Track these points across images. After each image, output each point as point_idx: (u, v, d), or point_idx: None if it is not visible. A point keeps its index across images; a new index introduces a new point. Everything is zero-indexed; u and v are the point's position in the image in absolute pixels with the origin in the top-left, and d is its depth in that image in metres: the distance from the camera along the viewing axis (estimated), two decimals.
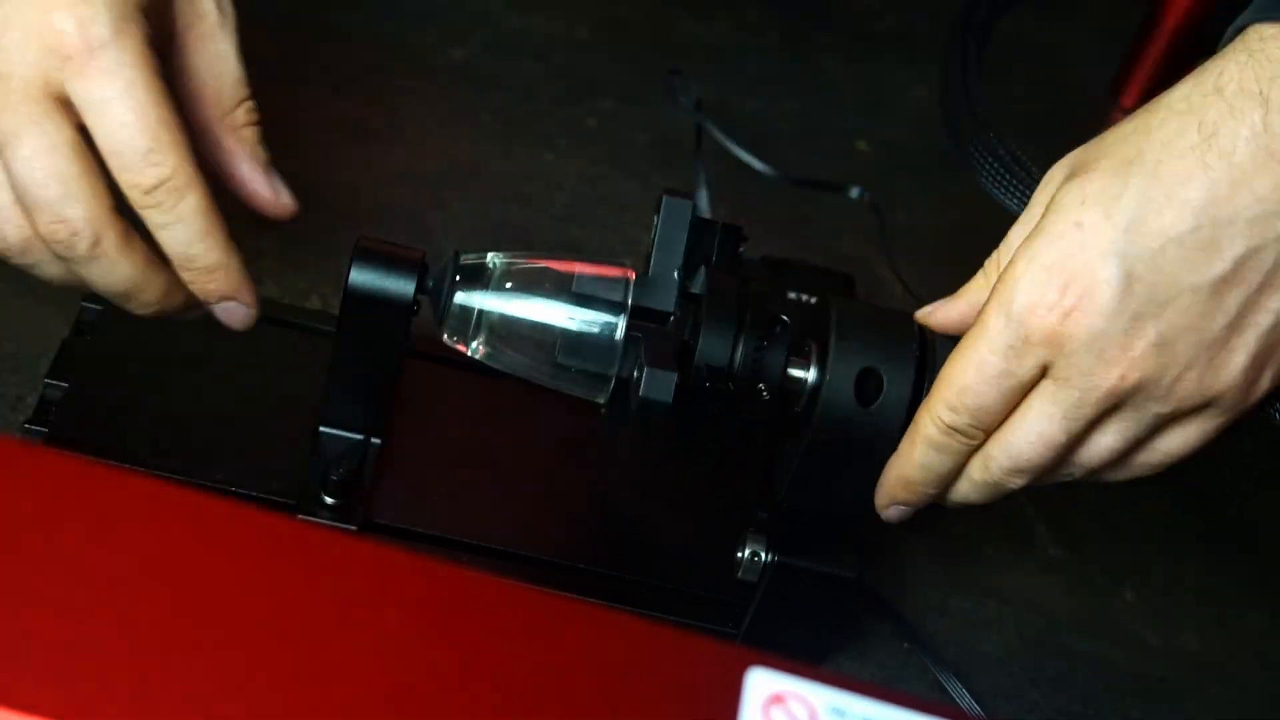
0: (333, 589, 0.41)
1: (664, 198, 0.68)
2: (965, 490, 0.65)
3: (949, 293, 0.67)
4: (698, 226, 0.68)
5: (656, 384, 0.63)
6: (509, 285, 0.66)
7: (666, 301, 0.66)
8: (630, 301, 0.66)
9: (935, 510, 0.82)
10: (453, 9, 1.00)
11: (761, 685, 0.42)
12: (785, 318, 0.67)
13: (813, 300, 0.79)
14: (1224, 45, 0.60)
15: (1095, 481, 0.66)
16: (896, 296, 0.89)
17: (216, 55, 0.65)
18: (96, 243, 0.59)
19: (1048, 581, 0.81)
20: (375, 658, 0.40)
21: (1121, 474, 0.65)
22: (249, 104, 0.67)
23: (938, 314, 0.67)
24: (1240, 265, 0.58)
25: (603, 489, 0.75)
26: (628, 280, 0.67)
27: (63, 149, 0.58)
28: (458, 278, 0.66)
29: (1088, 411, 0.61)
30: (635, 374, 0.64)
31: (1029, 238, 0.61)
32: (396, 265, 0.66)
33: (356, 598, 0.41)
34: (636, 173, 0.94)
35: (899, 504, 0.66)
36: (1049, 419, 0.61)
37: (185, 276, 0.62)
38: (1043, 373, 0.61)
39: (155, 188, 0.59)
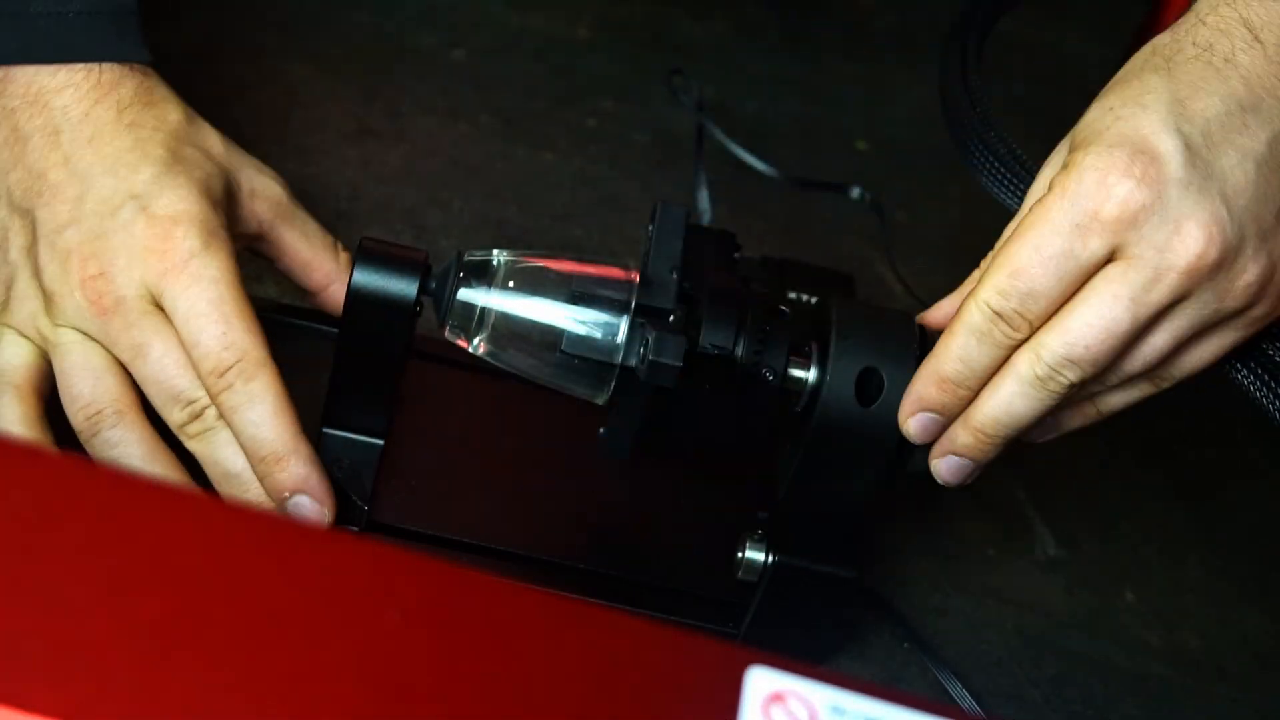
0: (334, 589, 0.41)
1: (658, 205, 0.68)
2: (1008, 392, 0.62)
3: (949, 292, 0.67)
4: (692, 232, 0.68)
5: (667, 347, 0.63)
6: (512, 283, 0.66)
7: (666, 301, 0.67)
8: (634, 302, 0.66)
9: (935, 510, 0.82)
10: (453, 9, 1.00)
11: (761, 684, 0.42)
12: (785, 318, 0.67)
13: (813, 300, 0.79)
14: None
15: (1089, 413, 0.64)
16: (896, 296, 0.89)
17: (301, 226, 0.73)
18: (202, 415, 0.66)
19: (1048, 581, 0.81)
20: (376, 657, 0.40)
21: (1129, 389, 0.64)
22: (337, 242, 0.74)
23: (936, 313, 0.67)
24: (1272, 148, 0.59)
25: (603, 489, 0.75)
26: (631, 282, 0.67)
27: (176, 347, 0.65)
28: (462, 274, 0.66)
29: (1159, 295, 0.59)
30: (641, 349, 0.64)
31: (1072, 150, 0.61)
32: (400, 266, 0.66)
33: (358, 598, 0.41)
34: (636, 173, 0.94)
35: (927, 409, 0.64)
36: (1116, 300, 0.59)
37: (257, 470, 0.65)
38: (1108, 258, 0.59)
39: (228, 369, 0.64)
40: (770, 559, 0.68)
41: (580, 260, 0.67)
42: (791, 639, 0.70)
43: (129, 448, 0.65)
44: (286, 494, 0.65)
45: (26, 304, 0.66)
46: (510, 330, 0.66)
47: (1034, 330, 0.61)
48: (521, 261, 0.67)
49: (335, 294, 0.73)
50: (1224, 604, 0.83)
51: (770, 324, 0.66)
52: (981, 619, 0.78)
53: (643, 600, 0.71)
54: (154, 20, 0.90)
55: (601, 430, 0.69)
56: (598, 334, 0.66)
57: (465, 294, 0.66)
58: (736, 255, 0.70)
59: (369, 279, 0.66)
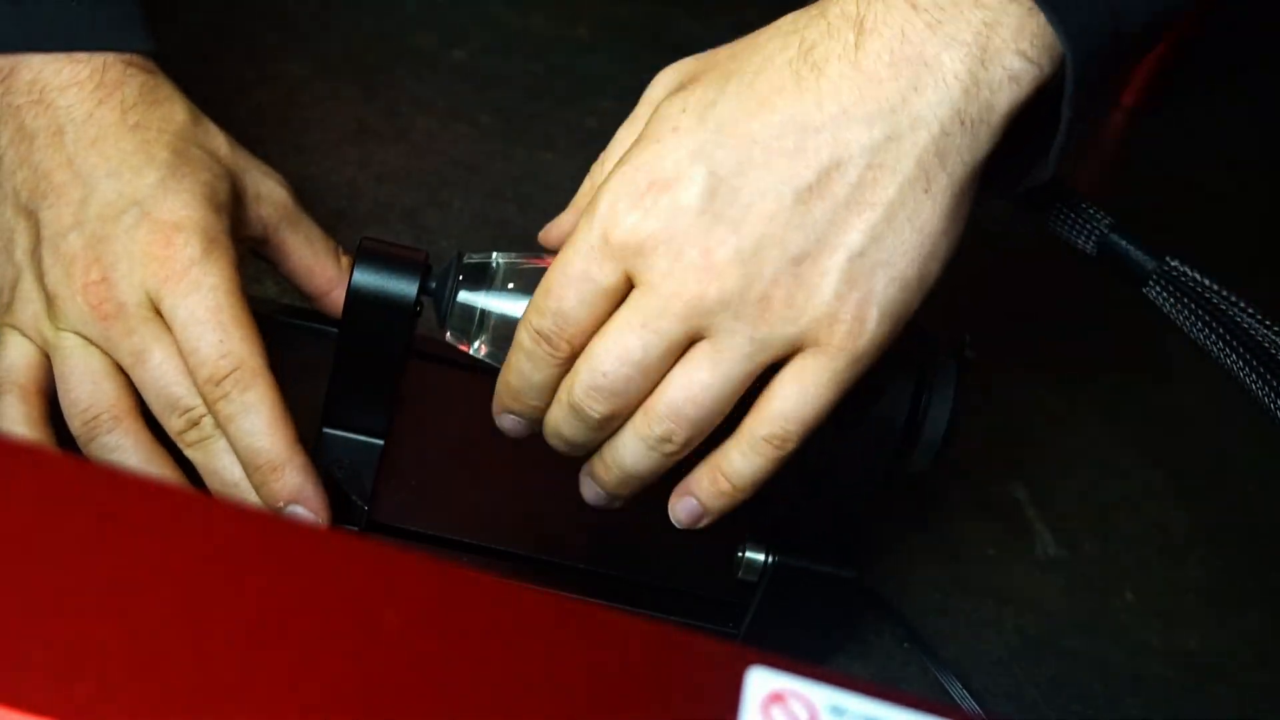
0: (334, 589, 0.41)
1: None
2: (555, 416, 0.63)
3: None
4: None
5: None
6: (513, 285, 0.66)
7: None
8: None
9: (935, 510, 0.82)
10: (453, 9, 1.00)
11: (761, 684, 0.42)
12: None
13: None
14: None
15: (720, 483, 0.63)
16: None
17: (304, 232, 0.73)
18: (199, 423, 0.66)
19: (1048, 581, 0.81)
20: (376, 658, 0.40)
21: (744, 448, 0.61)
22: (339, 247, 0.75)
23: (551, 231, 0.68)
24: (825, 176, 0.58)
25: None
26: None
27: (175, 355, 0.65)
28: (461, 277, 0.66)
29: (668, 324, 0.59)
30: None
31: (632, 145, 0.61)
32: (400, 266, 0.66)
33: (358, 598, 0.41)
34: None
35: (508, 412, 0.65)
36: (628, 327, 0.59)
37: (253, 479, 0.65)
38: (628, 284, 0.60)
39: (224, 378, 0.64)
40: (770, 559, 0.68)
41: None
42: (791, 639, 0.70)
43: (126, 453, 0.65)
44: (281, 504, 0.65)
45: (30, 306, 0.66)
46: (510, 333, 0.66)
47: (575, 351, 0.61)
48: (521, 264, 0.67)
49: (336, 300, 0.73)
50: (1224, 604, 0.83)
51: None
52: (981, 619, 0.78)
53: (643, 600, 0.71)
54: (154, 20, 0.90)
55: None
56: None
57: (465, 297, 0.66)
58: None
59: (369, 279, 0.66)
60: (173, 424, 0.66)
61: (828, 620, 0.71)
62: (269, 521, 0.42)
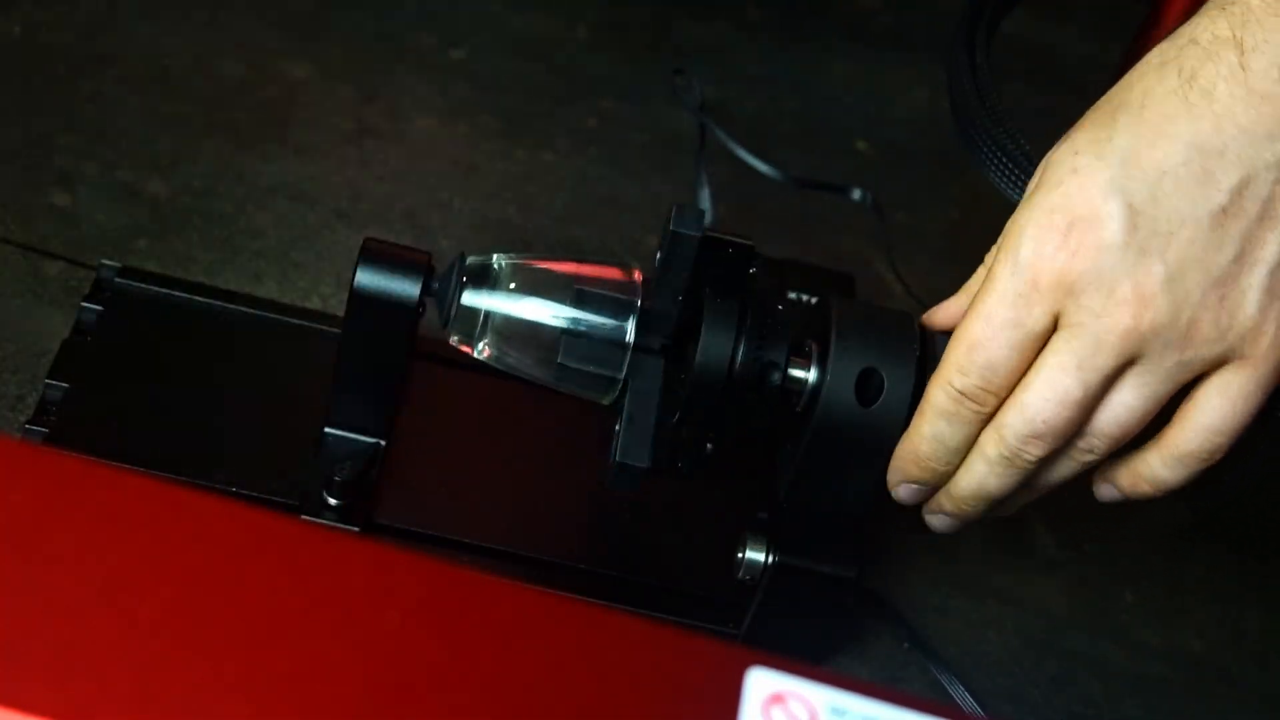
0: (335, 590, 0.41)
1: (669, 231, 0.65)
2: (980, 472, 0.63)
3: (949, 293, 0.67)
4: (708, 244, 0.66)
5: (631, 448, 0.65)
6: (516, 286, 0.66)
7: (663, 333, 0.67)
8: (640, 303, 0.66)
9: None
10: (453, 9, 1.00)
11: (761, 685, 0.42)
12: (785, 318, 0.67)
13: (813, 300, 0.79)
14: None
15: (1142, 487, 0.64)
16: (896, 296, 0.89)
17: None
18: None
19: (1048, 581, 0.81)
20: (377, 658, 0.40)
21: (1169, 460, 0.63)
22: None
23: (940, 314, 0.67)
24: (1237, 195, 0.59)
25: (603, 490, 0.75)
26: (636, 282, 0.67)
27: None
28: (464, 279, 0.66)
29: (1104, 360, 0.59)
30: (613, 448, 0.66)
31: (1027, 197, 0.61)
32: (402, 266, 0.66)
33: (359, 598, 0.41)
34: (636, 173, 0.94)
35: (910, 482, 0.66)
36: (1063, 370, 0.60)
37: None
38: (1054, 325, 0.60)
39: None
40: (770, 559, 0.68)
41: (584, 262, 0.67)
42: (791, 639, 0.70)
43: None
44: None
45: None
46: (513, 335, 0.66)
47: (1000, 402, 0.62)
48: (524, 264, 0.67)
49: None
50: (1224, 604, 0.83)
51: (769, 334, 0.66)
52: (981, 619, 0.78)
53: (643, 600, 0.71)
54: (154, 20, 0.90)
55: (617, 429, 0.68)
56: (603, 341, 0.66)
57: (469, 299, 0.66)
58: (752, 270, 0.68)
59: (371, 279, 0.66)
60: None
61: (828, 620, 0.71)
62: (269, 521, 0.42)
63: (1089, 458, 0.63)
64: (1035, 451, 0.62)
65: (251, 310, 0.76)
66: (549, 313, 0.66)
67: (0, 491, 0.40)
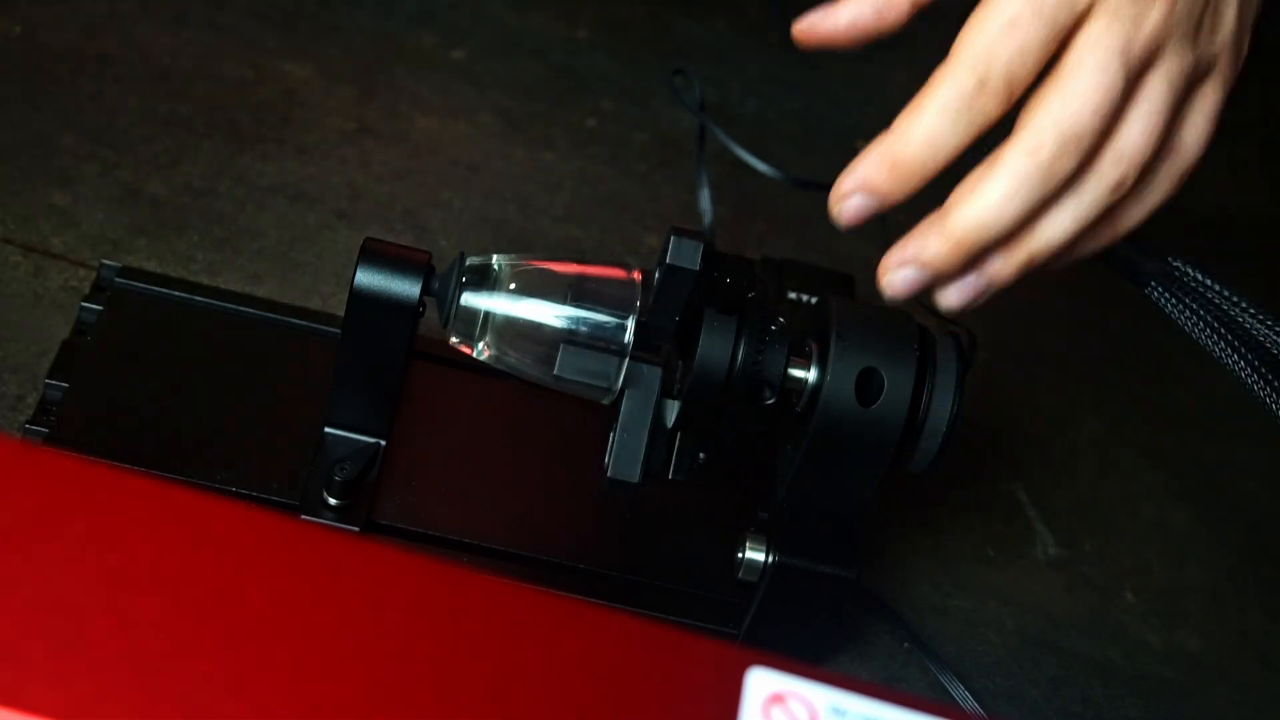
0: (335, 590, 0.41)
1: (666, 261, 0.64)
2: (996, 191, 0.55)
3: None
4: (709, 260, 0.65)
5: (684, 250, 0.62)
6: (517, 287, 0.66)
7: (662, 341, 0.67)
8: (639, 304, 0.66)
9: (936, 510, 0.82)
10: (453, 9, 1.00)
11: (761, 685, 0.42)
12: (785, 318, 0.67)
13: (813, 300, 0.79)
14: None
15: (1130, 219, 0.61)
16: None
17: None
18: None
19: (1048, 581, 0.81)
20: (377, 658, 0.40)
21: (1171, 173, 0.60)
22: None
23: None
24: None
25: (603, 489, 0.75)
26: (636, 282, 0.67)
27: None
28: (464, 279, 0.66)
29: (1140, 49, 0.55)
30: (662, 242, 0.64)
31: None
32: (402, 267, 0.66)
33: (359, 598, 0.41)
34: (636, 173, 0.94)
35: (868, 193, 0.58)
36: (1108, 53, 0.54)
37: None
38: (1078, 22, 0.56)
39: None
40: (770, 559, 0.68)
41: (584, 262, 0.67)
42: (792, 639, 0.70)
43: None
44: None
45: None
46: (513, 336, 0.66)
47: (1012, 103, 0.55)
48: (524, 265, 0.67)
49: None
50: (1224, 604, 0.83)
51: (769, 334, 0.66)
52: (981, 619, 0.78)
53: (643, 600, 0.71)
54: (154, 20, 0.90)
55: (611, 439, 0.68)
56: (603, 342, 0.66)
57: (469, 299, 0.66)
58: (750, 295, 0.67)
59: (371, 279, 0.66)
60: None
61: (828, 620, 0.71)
62: (269, 521, 0.42)
63: (1111, 196, 0.57)
64: (1069, 163, 0.55)
65: (251, 310, 0.76)
66: (548, 313, 0.66)
67: (0, 491, 0.40)
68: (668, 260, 0.64)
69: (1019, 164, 0.55)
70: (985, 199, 0.56)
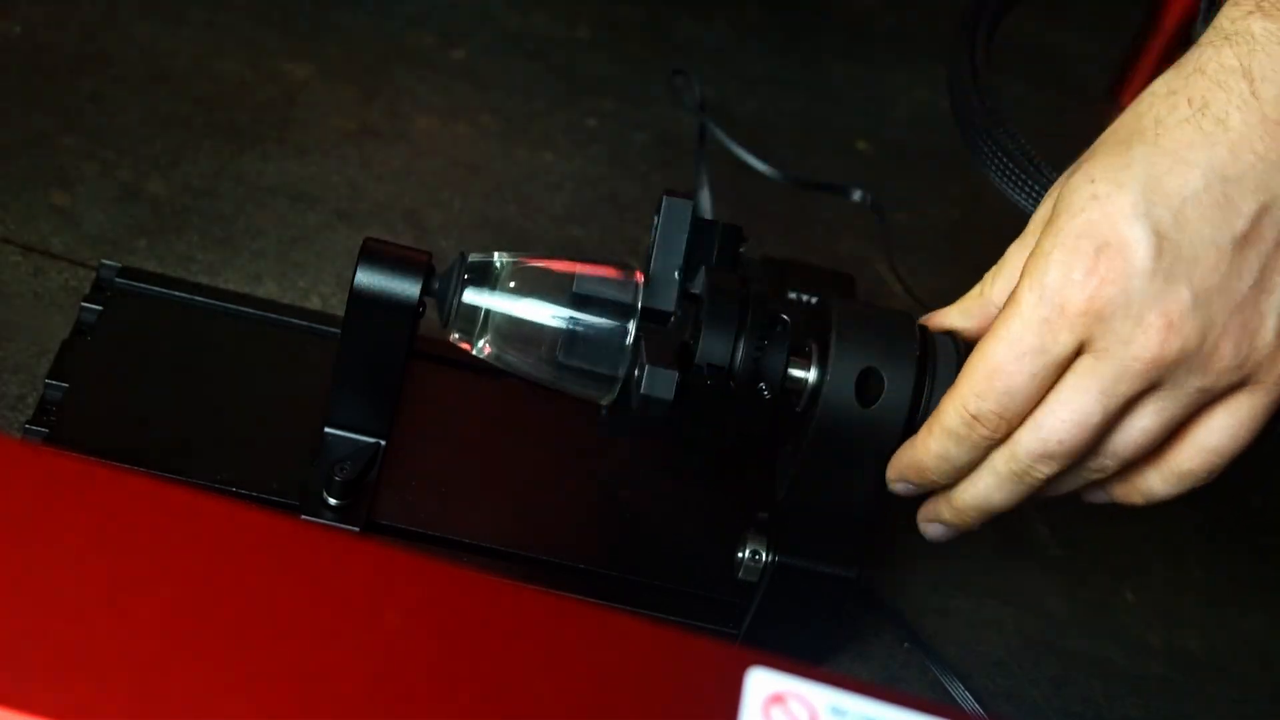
0: (335, 590, 0.41)
1: (664, 198, 0.68)
2: (986, 486, 0.64)
3: (949, 293, 0.67)
4: (698, 227, 0.68)
5: (658, 381, 0.63)
6: (518, 285, 0.66)
7: (668, 301, 0.67)
8: (640, 303, 0.66)
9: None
10: (453, 9, 1.00)
11: (761, 685, 0.42)
12: (785, 318, 0.67)
13: (813, 300, 0.79)
14: (1198, 35, 0.61)
15: (1134, 498, 0.65)
16: (896, 296, 0.89)
17: None
18: None
19: (1048, 581, 0.81)
20: (377, 658, 0.40)
21: (1168, 477, 0.64)
22: None
23: (940, 318, 0.67)
24: (1256, 221, 0.59)
25: (603, 490, 0.75)
26: (636, 283, 0.67)
27: None
28: (466, 276, 0.66)
29: (1127, 386, 0.59)
30: (636, 373, 0.64)
31: (1049, 224, 0.60)
32: (403, 267, 0.66)
33: (359, 598, 0.41)
34: (636, 173, 0.94)
35: (906, 483, 0.66)
36: (1085, 394, 0.60)
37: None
38: (1077, 353, 0.60)
39: None
40: (770, 559, 0.68)
41: (585, 262, 0.67)
42: (792, 639, 0.70)
43: None
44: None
45: None
46: (514, 334, 0.66)
47: (1011, 429, 0.61)
48: (525, 264, 0.67)
49: None
50: (1224, 604, 0.83)
51: (769, 334, 0.66)
52: (981, 619, 0.78)
53: (643, 600, 0.71)
54: (154, 20, 0.90)
55: (602, 410, 0.69)
56: (604, 341, 0.66)
57: (469, 297, 0.66)
58: (742, 250, 0.70)
59: (371, 279, 0.66)
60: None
61: (828, 620, 0.71)
62: (269, 521, 0.42)
63: (1097, 476, 0.63)
64: (1046, 470, 0.62)
65: (251, 310, 0.76)
66: (549, 312, 0.66)
67: (0, 491, 0.40)
68: (664, 197, 0.68)
69: (1002, 469, 0.63)
70: (975, 491, 0.64)
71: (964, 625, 0.78)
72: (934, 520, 0.67)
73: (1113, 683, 0.77)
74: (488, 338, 0.66)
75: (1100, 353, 0.59)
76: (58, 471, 0.42)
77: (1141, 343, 0.59)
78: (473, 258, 0.67)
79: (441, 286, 0.66)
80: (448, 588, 0.42)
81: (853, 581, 0.68)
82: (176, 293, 0.75)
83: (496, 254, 0.67)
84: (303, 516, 0.68)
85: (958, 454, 0.63)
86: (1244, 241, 0.59)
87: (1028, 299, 0.60)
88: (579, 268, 0.67)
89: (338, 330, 0.69)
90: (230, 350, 0.75)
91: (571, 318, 0.66)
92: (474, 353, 0.67)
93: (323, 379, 0.70)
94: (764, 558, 0.68)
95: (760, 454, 0.73)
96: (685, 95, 0.88)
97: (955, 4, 0.79)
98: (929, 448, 0.63)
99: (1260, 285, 0.59)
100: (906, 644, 0.75)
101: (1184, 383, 0.60)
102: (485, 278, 0.66)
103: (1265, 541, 0.87)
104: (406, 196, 0.88)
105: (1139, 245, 0.58)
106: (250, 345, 0.75)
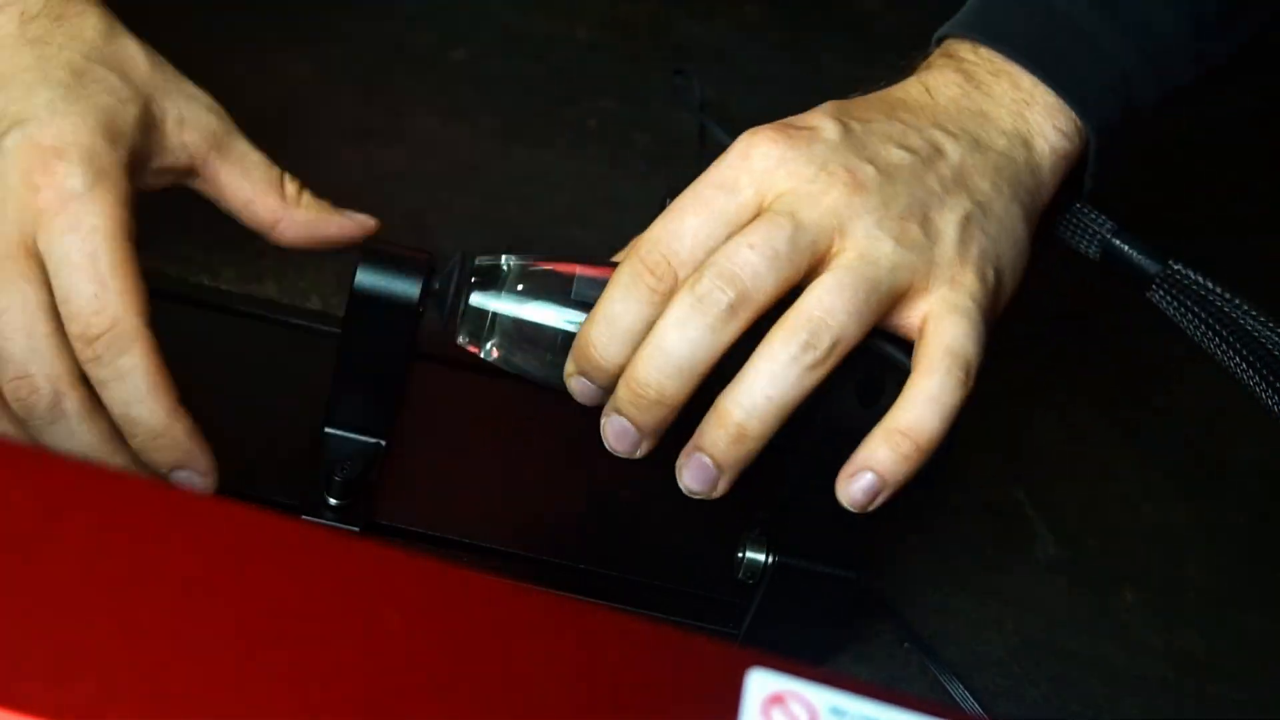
0: (336, 590, 0.41)
1: (665, 199, 0.68)
2: (664, 338, 0.59)
3: None
4: None
5: None
6: (526, 288, 0.66)
7: None
8: None
9: (935, 510, 0.82)
10: (453, 9, 1.00)
11: (761, 685, 0.42)
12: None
13: None
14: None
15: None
16: None
17: (239, 159, 0.68)
18: (55, 404, 0.59)
19: (1048, 581, 0.81)
20: (377, 658, 0.40)
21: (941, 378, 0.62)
22: (285, 175, 0.70)
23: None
24: (932, 156, 0.64)
25: (603, 489, 0.75)
26: None
27: (32, 306, 0.58)
28: (473, 279, 0.66)
29: (816, 218, 0.61)
30: None
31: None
32: (403, 267, 0.66)
33: (359, 599, 0.41)
34: (636, 173, 0.94)
35: (584, 375, 0.62)
36: (773, 223, 0.60)
37: (133, 445, 0.61)
38: (758, 211, 0.61)
39: (97, 337, 0.58)
40: (770, 559, 0.68)
41: (593, 263, 0.67)
42: (792, 639, 0.70)
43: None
44: (166, 470, 0.61)
45: None
46: (523, 337, 0.66)
47: (678, 280, 0.60)
48: (533, 266, 0.66)
49: (284, 232, 0.68)
50: (1224, 604, 0.83)
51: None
52: (981, 619, 0.78)
53: (643, 600, 0.71)
54: (154, 19, 0.90)
55: None
56: None
57: (477, 300, 0.66)
58: None
59: (371, 280, 0.66)
60: (9, 388, 0.59)
61: (828, 620, 0.71)
62: (269, 521, 0.42)
63: (810, 358, 0.60)
64: (728, 293, 0.59)
65: (251, 310, 0.76)
66: (559, 315, 0.66)
67: (0, 492, 0.40)
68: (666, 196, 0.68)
69: (678, 309, 0.60)
70: (652, 349, 0.61)
71: (964, 625, 0.78)
72: (612, 413, 0.62)
73: (1113, 683, 0.77)
74: (495, 341, 0.66)
75: (786, 193, 0.61)
76: (58, 471, 0.42)
77: (824, 183, 0.61)
78: (479, 260, 0.66)
79: (441, 288, 0.66)
80: (448, 588, 0.42)
81: (853, 582, 0.68)
82: (176, 293, 0.75)
83: (504, 256, 0.67)
84: (303, 517, 0.68)
85: (622, 310, 0.60)
86: (924, 164, 0.63)
87: (712, 166, 0.63)
88: (587, 270, 0.67)
89: (338, 330, 0.69)
90: (230, 350, 0.75)
91: (582, 319, 0.66)
92: (481, 356, 0.67)
93: (323, 379, 0.70)
94: (764, 558, 0.68)
95: (760, 454, 0.73)
96: (685, 95, 0.88)
97: (955, 4, 0.79)
98: (595, 314, 0.61)
99: (941, 199, 0.63)
100: (906, 644, 0.75)
101: (877, 237, 0.61)
102: (492, 280, 0.66)
103: (1265, 542, 0.87)
104: (407, 197, 0.88)
105: (829, 129, 0.63)
106: (250, 345, 0.75)
